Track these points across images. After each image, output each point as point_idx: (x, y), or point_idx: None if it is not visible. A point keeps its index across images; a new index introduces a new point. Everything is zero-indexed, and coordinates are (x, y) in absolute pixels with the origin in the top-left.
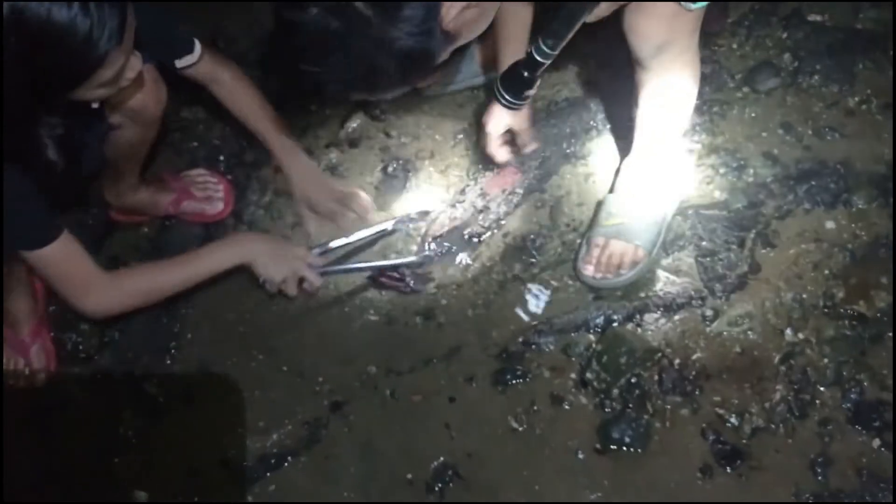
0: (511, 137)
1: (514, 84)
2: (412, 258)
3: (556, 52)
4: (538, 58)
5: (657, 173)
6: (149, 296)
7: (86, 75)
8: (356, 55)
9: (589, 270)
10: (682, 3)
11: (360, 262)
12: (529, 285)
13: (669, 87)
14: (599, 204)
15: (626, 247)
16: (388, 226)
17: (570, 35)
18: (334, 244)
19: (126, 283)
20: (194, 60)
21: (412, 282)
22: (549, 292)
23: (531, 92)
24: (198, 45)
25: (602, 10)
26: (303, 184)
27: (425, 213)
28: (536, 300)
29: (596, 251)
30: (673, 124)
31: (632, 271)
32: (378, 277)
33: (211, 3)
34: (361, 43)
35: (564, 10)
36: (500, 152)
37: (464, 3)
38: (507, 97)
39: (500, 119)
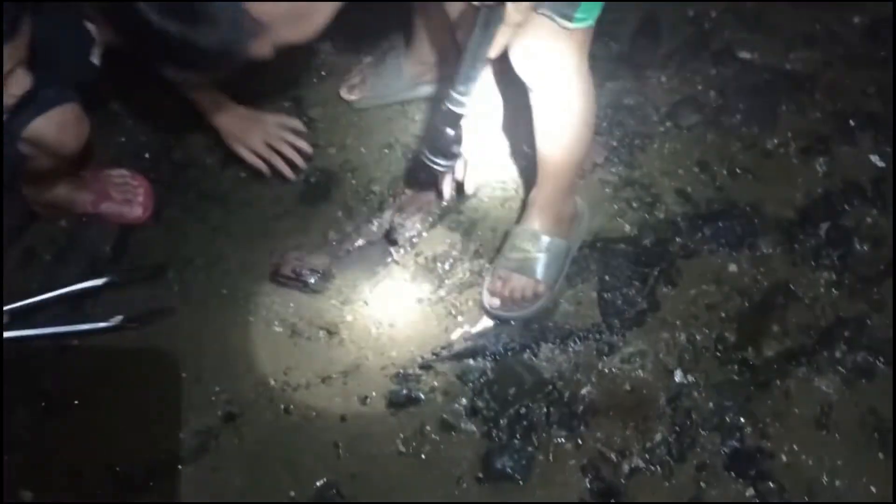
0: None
1: (441, 146)
2: (102, 324)
3: (470, 97)
4: (455, 109)
5: (561, 206)
6: None
7: None
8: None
9: (493, 302)
10: (560, 21)
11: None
12: None
13: (561, 112)
14: (506, 235)
15: (528, 282)
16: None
17: (479, 75)
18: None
19: None
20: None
21: (312, 280)
22: None
23: (460, 148)
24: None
25: (501, 44)
26: (229, 127)
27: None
28: None
29: (499, 283)
30: (568, 151)
31: (533, 306)
32: (279, 274)
33: None
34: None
35: (468, 53)
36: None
37: None
38: (439, 162)
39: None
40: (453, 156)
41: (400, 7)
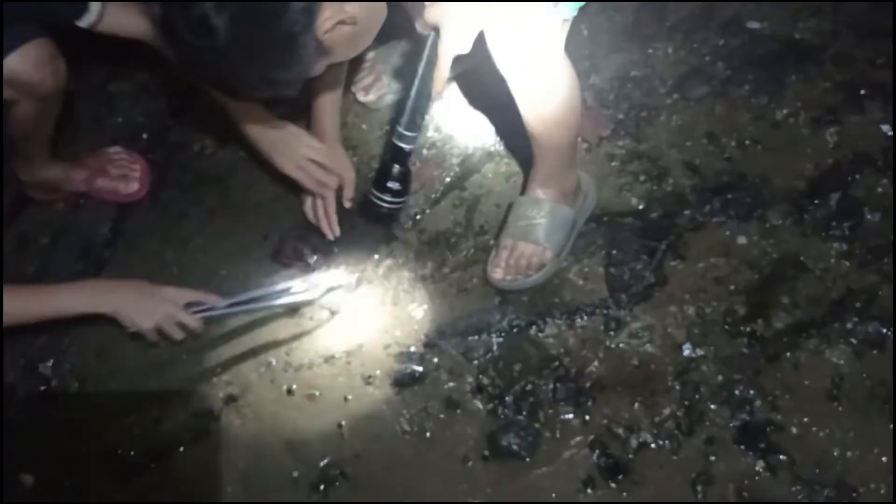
0: None
1: (387, 183)
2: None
3: (418, 133)
4: (402, 145)
5: (562, 180)
6: None
7: None
8: (229, 59)
9: (497, 273)
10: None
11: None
12: None
13: (546, 100)
14: (510, 206)
15: (534, 248)
16: (293, 287)
17: (427, 110)
18: (220, 305)
19: None
20: (94, 19)
21: (314, 259)
22: None
23: (407, 187)
24: (95, 3)
25: (443, 78)
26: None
27: (336, 287)
28: None
29: (504, 253)
30: (558, 133)
31: (538, 273)
32: (279, 255)
33: None
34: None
35: (413, 90)
36: None
37: (339, 18)
38: (386, 199)
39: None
40: (399, 194)
41: None
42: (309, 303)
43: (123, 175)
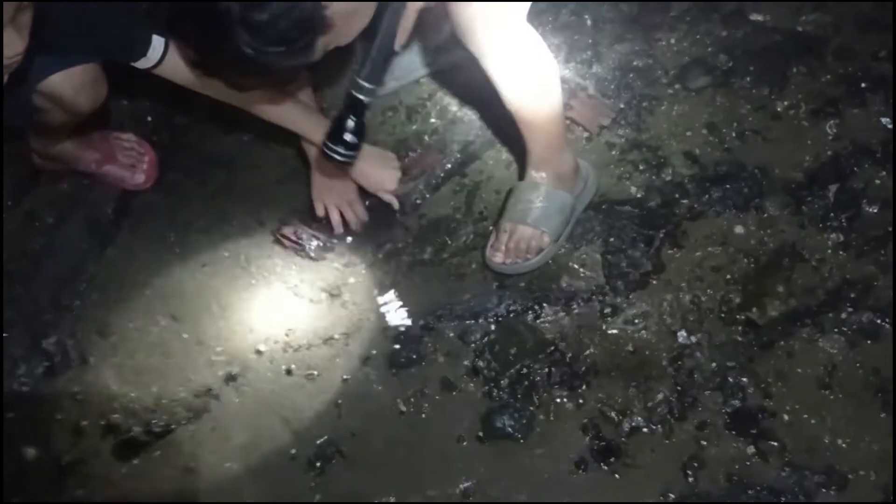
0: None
1: (341, 135)
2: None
3: (377, 86)
4: (359, 96)
5: (557, 163)
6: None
7: None
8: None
9: (497, 258)
10: None
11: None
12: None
13: (515, 70)
14: (510, 192)
15: (533, 232)
16: None
17: (388, 64)
18: None
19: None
20: (152, 63)
21: (312, 245)
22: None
23: (360, 140)
24: (157, 46)
25: (406, 31)
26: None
27: None
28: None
29: (504, 237)
30: (540, 110)
31: (537, 257)
32: (281, 234)
33: None
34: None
35: (375, 40)
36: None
37: None
38: (339, 151)
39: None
40: (352, 146)
41: None
42: None
43: (132, 165)
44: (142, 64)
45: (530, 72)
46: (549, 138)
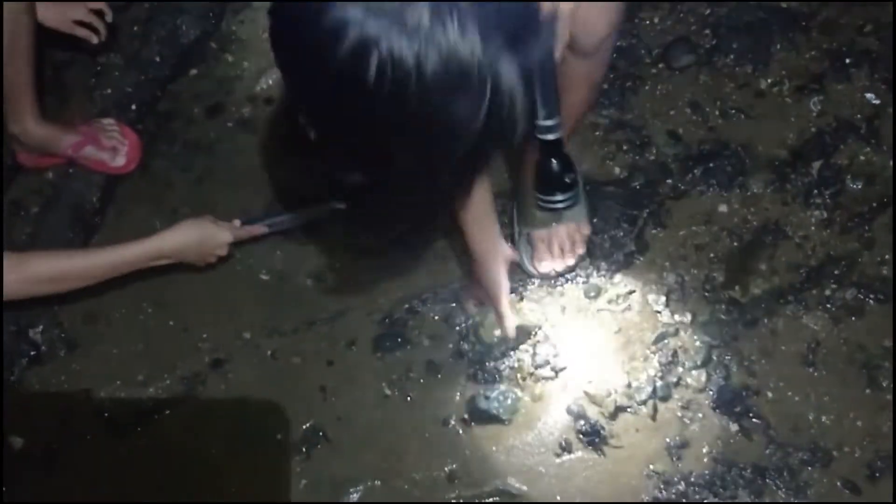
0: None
1: (553, 181)
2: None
3: (556, 118)
4: (549, 137)
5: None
6: (55, 283)
7: None
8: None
9: (546, 266)
10: None
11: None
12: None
13: (597, 71)
14: (521, 201)
15: (568, 227)
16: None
17: (553, 88)
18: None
19: (31, 268)
20: None
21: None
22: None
23: (573, 175)
24: None
25: (563, 42)
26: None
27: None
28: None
29: (542, 246)
30: (588, 106)
31: (584, 247)
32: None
33: None
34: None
35: (540, 79)
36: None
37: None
38: (558, 199)
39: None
40: (569, 186)
41: None
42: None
43: (113, 147)
44: None
45: (604, 70)
46: (579, 118)
